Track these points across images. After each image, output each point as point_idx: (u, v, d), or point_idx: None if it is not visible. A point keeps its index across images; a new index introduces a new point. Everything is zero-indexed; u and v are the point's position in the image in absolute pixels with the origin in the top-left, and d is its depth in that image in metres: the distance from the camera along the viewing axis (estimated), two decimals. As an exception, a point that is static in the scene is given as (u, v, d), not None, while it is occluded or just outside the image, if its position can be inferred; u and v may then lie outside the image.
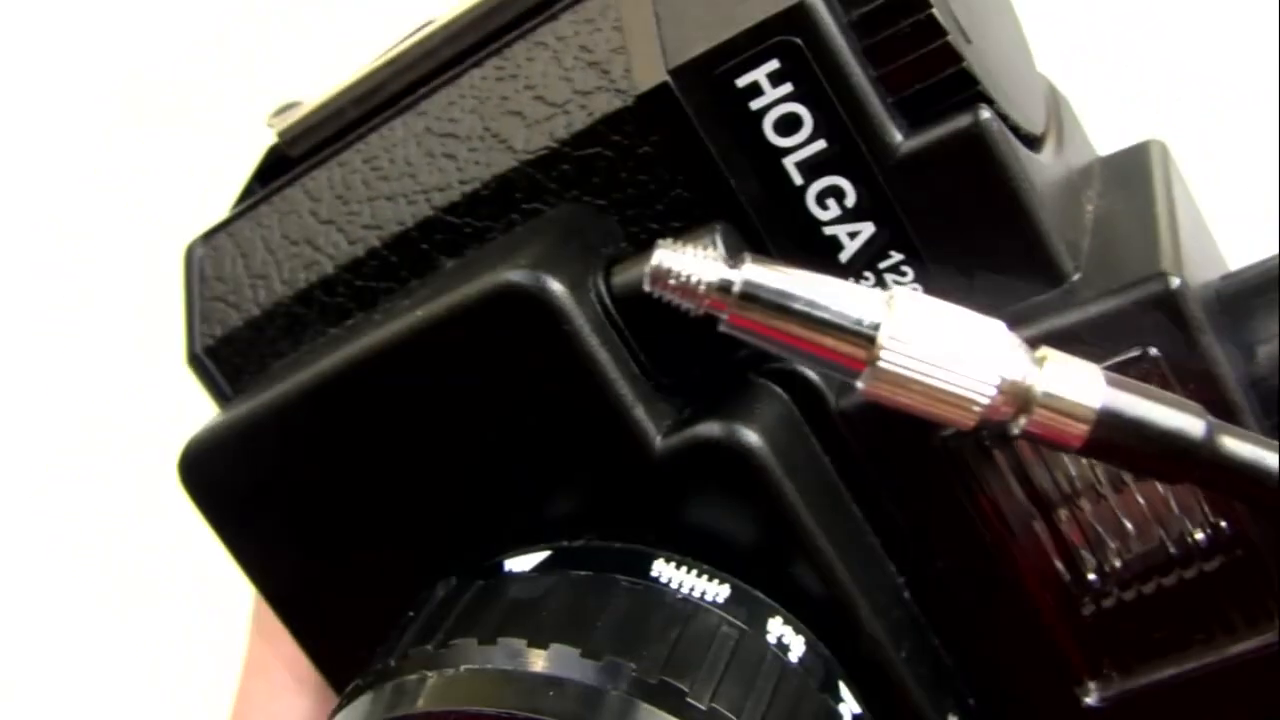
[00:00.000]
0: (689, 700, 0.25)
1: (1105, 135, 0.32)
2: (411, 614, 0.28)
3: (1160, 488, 0.27)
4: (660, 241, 0.24)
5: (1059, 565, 0.28)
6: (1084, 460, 0.27)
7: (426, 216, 0.29)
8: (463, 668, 0.26)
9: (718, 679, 0.25)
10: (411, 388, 0.28)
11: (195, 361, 0.32)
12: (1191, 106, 0.51)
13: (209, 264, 0.32)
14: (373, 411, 0.28)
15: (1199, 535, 0.28)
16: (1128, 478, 0.27)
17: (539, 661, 0.25)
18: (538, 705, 0.24)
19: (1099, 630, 0.28)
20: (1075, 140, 0.30)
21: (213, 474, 0.30)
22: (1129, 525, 0.28)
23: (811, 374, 0.28)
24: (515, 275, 0.26)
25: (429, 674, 0.26)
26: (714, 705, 0.25)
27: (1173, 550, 0.28)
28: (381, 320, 0.29)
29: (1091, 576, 0.28)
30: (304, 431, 0.29)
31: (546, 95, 0.29)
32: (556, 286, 0.26)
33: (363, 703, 0.27)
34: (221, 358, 0.32)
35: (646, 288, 0.24)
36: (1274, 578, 0.27)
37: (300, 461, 0.29)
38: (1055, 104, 0.31)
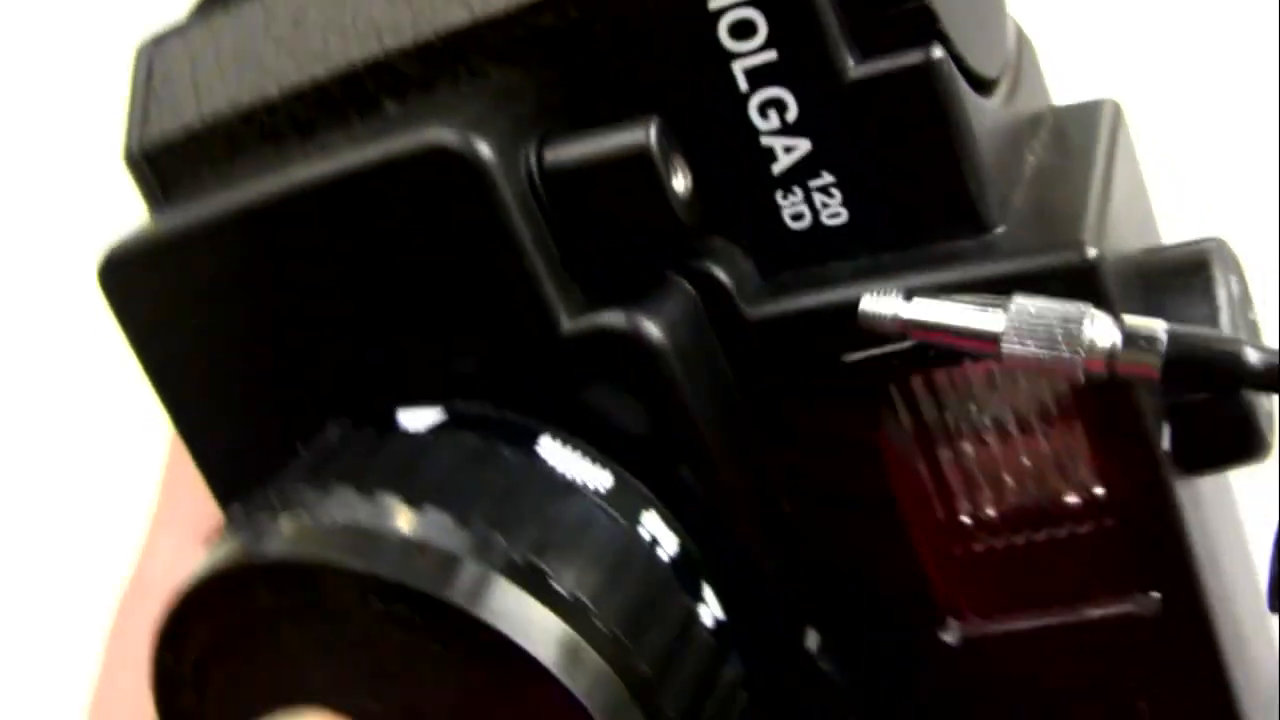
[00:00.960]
0: (550, 583, 0.25)
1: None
2: (301, 454, 0.29)
3: (1045, 444, 0.28)
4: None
5: (936, 503, 0.29)
6: (972, 405, 0.28)
7: (375, 58, 0.29)
8: (336, 519, 0.26)
9: (583, 566, 0.26)
10: (332, 228, 0.28)
11: (132, 162, 0.32)
12: (1191, 106, 0.51)
13: (158, 67, 0.32)
14: (292, 246, 0.28)
15: (1073, 498, 0.28)
16: (1013, 428, 0.28)
17: (409, 524, 0.26)
18: (399, 568, 0.25)
19: (966, 572, 0.29)
20: (1031, 87, 0.30)
21: (131, 283, 0.30)
22: (1009, 477, 0.28)
23: (724, 276, 0.28)
24: (447, 135, 0.26)
25: (295, 521, 0.26)
26: (576, 592, 0.26)
27: (1047, 508, 0.28)
28: (314, 156, 0.29)
29: (965, 519, 0.29)
30: (224, 255, 0.29)
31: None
32: (486, 151, 0.26)
33: (227, 545, 0.27)
34: (159, 164, 0.32)
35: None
36: (1139, 551, 0.28)
37: (217, 284, 0.29)
38: (1019, 48, 0.30)
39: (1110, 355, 0.24)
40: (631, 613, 0.26)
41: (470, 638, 0.25)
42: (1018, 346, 0.24)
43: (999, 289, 0.25)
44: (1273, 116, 0.50)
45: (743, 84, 0.27)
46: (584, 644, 0.25)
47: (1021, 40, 0.31)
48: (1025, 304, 0.24)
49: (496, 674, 0.25)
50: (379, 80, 0.29)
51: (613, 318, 0.27)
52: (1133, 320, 0.24)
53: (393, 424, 0.28)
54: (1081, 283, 0.25)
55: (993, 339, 0.24)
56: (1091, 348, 0.24)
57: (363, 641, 0.26)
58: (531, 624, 0.25)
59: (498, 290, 0.27)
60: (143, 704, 0.32)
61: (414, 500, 0.26)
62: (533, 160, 0.27)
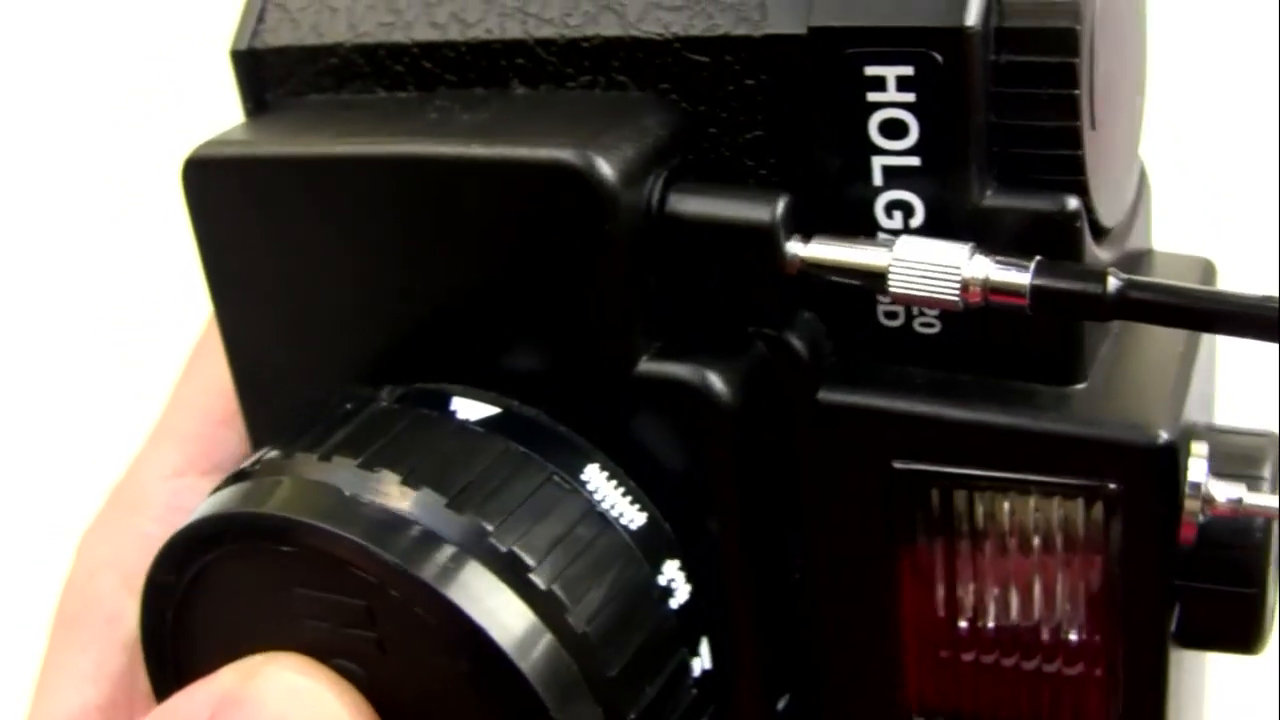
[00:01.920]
0: (531, 577, 0.26)
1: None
2: (349, 407, 0.29)
3: (1061, 577, 0.29)
4: None
5: (940, 603, 0.29)
6: (1001, 522, 0.29)
7: (518, 39, 0.29)
8: (328, 480, 0.27)
9: (594, 595, 0.26)
10: (442, 204, 0.28)
11: (240, 57, 0.31)
12: (1189, 106, 0.51)
13: None
14: (395, 206, 0.28)
15: (1073, 636, 0.29)
16: (1034, 554, 0.29)
17: (401, 500, 0.26)
18: (375, 537, 0.25)
19: (945, 676, 0.30)
20: (1138, 231, 0.31)
21: (215, 187, 0.29)
22: (1017, 598, 0.29)
23: (804, 351, 0.28)
24: (583, 155, 0.26)
25: (290, 478, 0.27)
26: (558, 592, 0.26)
27: (1044, 639, 0.29)
28: (437, 122, 0.28)
29: (963, 624, 0.30)
30: (321, 193, 0.29)
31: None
32: (614, 180, 0.26)
33: (231, 492, 0.27)
34: (266, 63, 0.31)
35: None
36: (1119, 708, 0.28)
37: (308, 218, 0.29)
38: (1140, 191, 0.31)
39: (985, 287, 0.26)
40: (623, 641, 0.27)
41: (430, 608, 0.25)
42: (902, 282, 0.26)
43: (1064, 450, 0.26)
44: (1273, 118, 0.51)
45: (878, 179, 0.27)
46: (549, 633, 0.26)
47: (1143, 181, 0.31)
48: (909, 242, 0.26)
49: (454, 648, 0.26)
50: (514, 60, 0.29)
51: (688, 371, 0.27)
52: (1004, 257, 0.26)
53: (445, 407, 0.28)
54: (1149, 463, 0.26)
55: (880, 274, 0.26)
56: (967, 281, 0.26)
57: (349, 601, 0.26)
58: (500, 609, 0.25)
59: (586, 313, 0.27)
60: (122, 606, 0.33)
61: (411, 481, 0.26)
62: (655, 198, 0.27)
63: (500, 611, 0.25)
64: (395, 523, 0.26)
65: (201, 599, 0.28)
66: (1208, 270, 0.32)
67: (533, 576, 0.26)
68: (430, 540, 0.25)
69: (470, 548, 0.26)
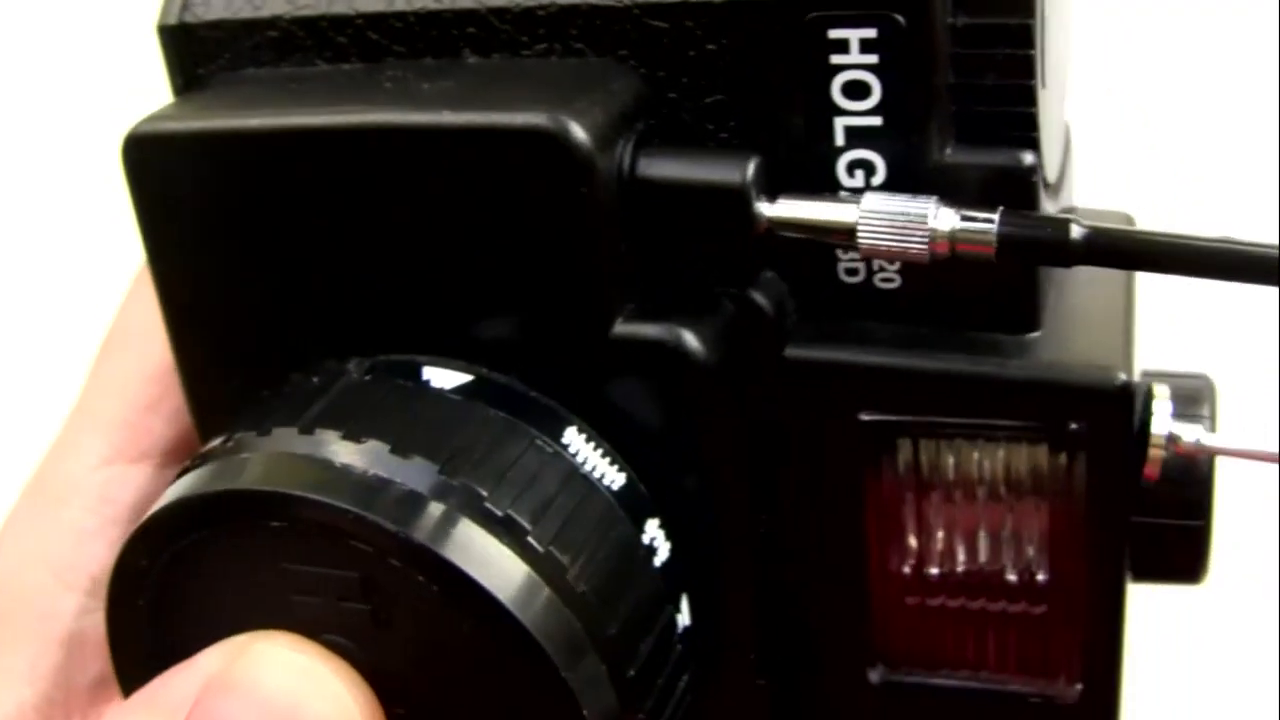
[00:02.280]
0: (530, 540, 0.26)
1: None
2: (316, 380, 0.28)
3: (1023, 522, 0.30)
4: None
5: (907, 553, 0.30)
6: (967, 470, 0.30)
7: (470, 8, 0.29)
8: (315, 453, 0.26)
9: (581, 550, 0.27)
10: (404, 173, 0.28)
11: (169, 32, 0.31)
12: (1159, 91, 0.53)
13: None
14: (351, 177, 0.28)
15: (1040, 577, 0.30)
16: (1000, 498, 0.30)
17: (393, 468, 0.26)
18: (372, 505, 0.25)
19: (911, 623, 0.31)
20: (1067, 187, 0.32)
21: (162, 164, 0.29)
22: (982, 543, 0.30)
23: (770, 308, 0.29)
24: (557, 120, 0.26)
25: (272, 453, 0.27)
26: (554, 552, 0.26)
27: (1007, 581, 0.30)
28: (396, 92, 0.28)
29: (933, 572, 0.31)
30: (270, 167, 0.28)
31: (640, -49, 0.28)
32: (590, 145, 0.26)
33: (206, 471, 0.27)
34: (197, 38, 0.31)
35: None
36: (1075, 642, 0.30)
37: (256, 192, 0.29)
38: (1067, 148, 0.32)
39: (951, 239, 0.27)
40: (619, 599, 0.27)
41: (433, 573, 0.25)
42: (870, 236, 0.27)
43: (1029, 394, 0.27)
44: (1241, 103, 0.53)
45: (839, 138, 0.28)
46: (551, 593, 0.26)
47: (1068, 139, 0.33)
48: (875, 198, 0.27)
49: (459, 611, 0.26)
50: (465, 30, 0.29)
51: (664, 332, 0.28)
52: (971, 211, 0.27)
53: (418, 377, 0.28)
54: (1111, 404, 0.27)
55: (848, 230, 0.27)
56: (934, 233, 0.27)
57: (342, 574, 0.26)
58: (502, 569, 0.26)
59: (559, 278, 0.27)
60: (55, 600, 0.32)
61: (400, 449, 0.26)
62: (626, 163, 0.27)
63: (503, 572, 0.25)
64: (391, 490, 0.26)
65: (180, 584, 0.28)
66: (1129, 223, 0.33)
67: (530, 539, 0.26)
68: (427, 506, 0.25)
69: (468, 512, 0.26)
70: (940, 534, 0.30)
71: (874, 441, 0.29)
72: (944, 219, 0.27)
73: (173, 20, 0.31)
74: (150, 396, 0.34)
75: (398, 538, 0.25)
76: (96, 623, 0.33)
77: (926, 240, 0.27)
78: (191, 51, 0.31)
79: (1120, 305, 0.29)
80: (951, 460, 0.30)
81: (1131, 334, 0.29)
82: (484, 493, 0.26)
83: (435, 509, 0.25)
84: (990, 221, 0.27)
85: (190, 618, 0.28)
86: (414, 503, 0.25)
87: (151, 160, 0.29)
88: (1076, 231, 0.26)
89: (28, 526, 0.34)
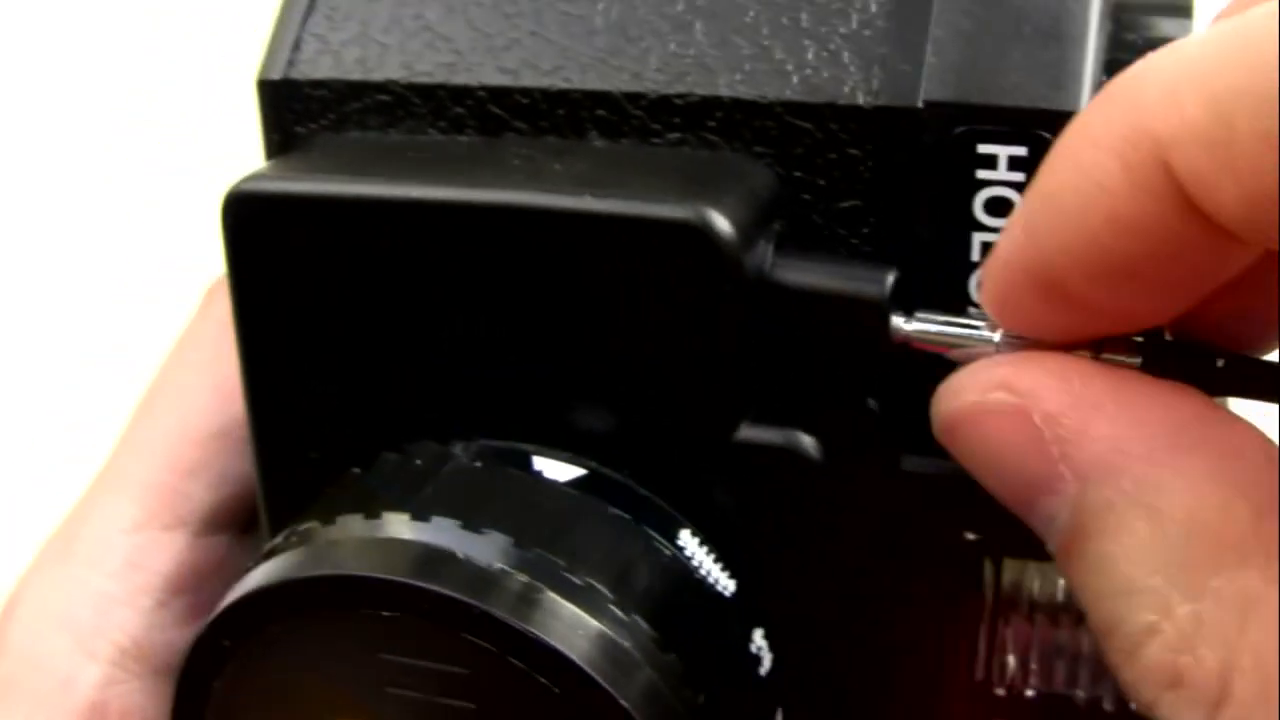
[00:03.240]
0: (651, 645, 0.25)
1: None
2: (419, 463, 0.27)
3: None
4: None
5: (980, 663, 0.30)
6: (1052, 589, 0.29)
7: (602, 90, 0.28)
8: (434, 541, 0.25)
9: (692, 647, 0.26)
10: (534, 255, 0.27)
11: (270, 88, 0.30)
12: None
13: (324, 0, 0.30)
14: (478, 256, 0.27)
15: (1108, 706, 0.30)
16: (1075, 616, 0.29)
17: (516, 564, 0.25)
18: (496, 600, 0.24)
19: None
20: None
21: (266, 227, 0.28)
22: (1059, 666, 0.30)
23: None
24: (704, 214, 0.26)
25: (382, 538, 0.25)
26: (673, 654, 0.25)
27: (1080, 703, 0.30)
28: (527, 170, 0.27)
29: (1000, 692, 0.30)
30: (392, 240, 0.27)
31: (784, 47, 0.28)
32: (736, 241, 0.26)
33: (304, 552, 0.26)
34: (300, 96, 0.30)
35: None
36: None
37: (370, 266, 0.27)
38: None
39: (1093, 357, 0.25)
40: (731, 711, 0.26)
41: (555, 675, 0.24)
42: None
43: None
44: None
45: (977, 255, 0.27)
46: (674, 700, 0.25)
47: None
48: None
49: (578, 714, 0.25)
50: (594, 112, 0.28)
51: (785, 437, 0.27)
52: None
53: (530, 467, 0.27)
54: None
55: (991, 349, 0.26)
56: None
57: (448, 669, 0.25)
58: (633, 679, 0.25)
59: (689, 375, 0.27)
60: (76, 669, 0.30)
61: (558, 554, 0.25)
62: (767, 264, 0.27)
63: (631, 680, 0.24)
64: (512, 585, 0.24)
65: (260, 669, 0.26)
66: None
67: (653, 644, 0.25)
68: (554, 604, 0.24)
69: (594, 613, 0.25)
70: (1033, 654, 0.30)
71: (971, 557, 0.28)
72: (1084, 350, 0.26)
73: (276, 75, 0.30)
74: (192, 460, 0.32)
75: (523, 636, 0.24)
76: (120, 695, 0.31)
77: None
78: (293, 109, 0.30)
79: None
80: (1037, 582, 0.29)
81: None
82: (608, 594, 0.25)
83: (562, 609, 0.24)
84: (1133, 347, 0.26)
85: (266, 705, 0.26)
86: (539, 602, 0.24)
87: (254, 220, 0.28)
88: (1220, 358, 0.26)
89: (50, 589, 0.32)
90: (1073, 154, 0.22)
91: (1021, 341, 0.25)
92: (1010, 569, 0.29)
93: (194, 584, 0.32)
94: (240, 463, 0.32)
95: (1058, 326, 0.24)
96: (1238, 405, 0.25)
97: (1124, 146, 0.21)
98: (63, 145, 0.61)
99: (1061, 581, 0.29)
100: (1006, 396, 0.23)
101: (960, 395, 0.24)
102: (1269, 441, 0.23)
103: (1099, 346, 0.24)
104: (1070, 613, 0.29)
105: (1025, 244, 0.23)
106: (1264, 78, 0.20)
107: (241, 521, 0.33)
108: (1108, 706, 0.30)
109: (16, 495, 0.60)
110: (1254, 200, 0.20)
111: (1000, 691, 0.30)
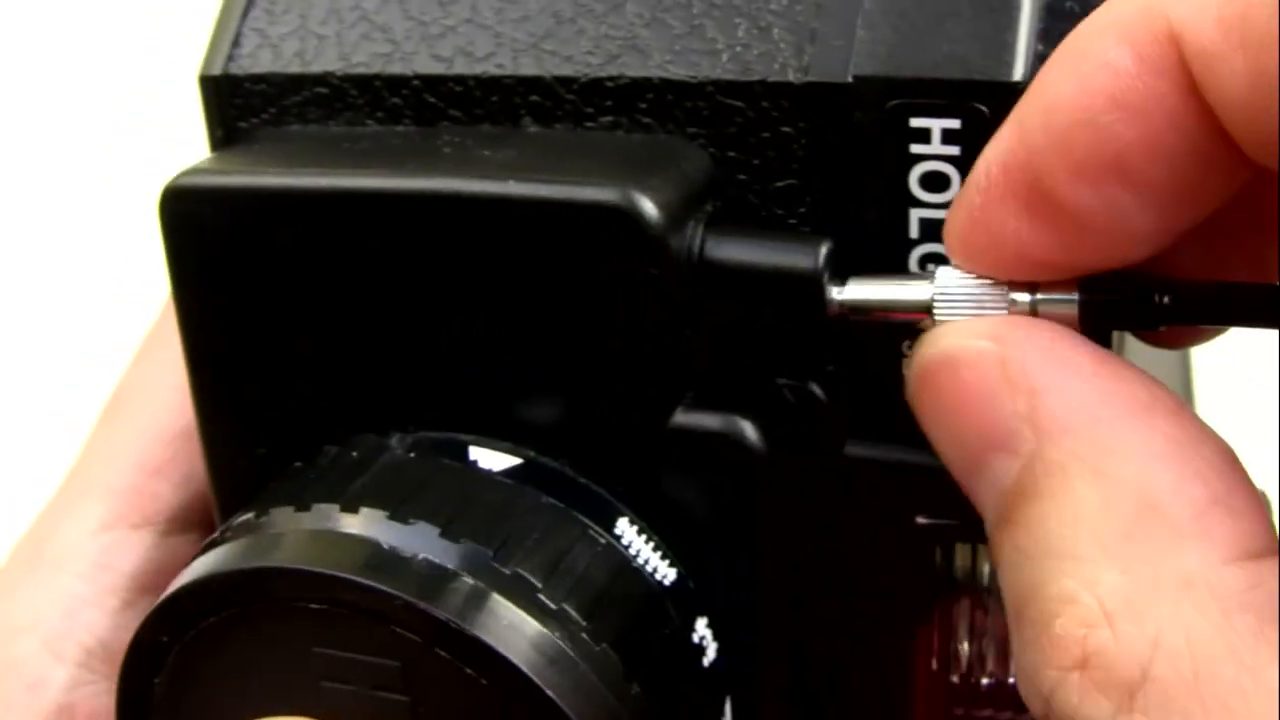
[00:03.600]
0: (584, 637, 0.25)
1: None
2: (355, 455, 0.27)
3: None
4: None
5: (961, 659, 0.29)
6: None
7: (535, 75, 0.28)
8: (362, 533, 0.25)
9: (627, 638, 0.25)
10: (462, 242, 0.26)
11: (211, 83, 0.30)
12: None
13: None
14: (407, 245, 0.27)
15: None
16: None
17: (444, 554, 0.25)
18: (424, 592, 0.24)
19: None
20: None
21: (203, 220, 0.28)
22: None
23: (823, 395, 0.28)
24: (629, 196, 0.25)
25: (313, 531, 0.25)
26: (605, 646, 0.25)
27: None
28: (456, 158, 0.27)
29: (954, 679, 0.30)
30: (325, 232, 0.27)
31: (716, 25, 0.27)
32: (662, 223, 0.25)
33: (238, 545, 0.26)
34: (241, 91, 0.30)
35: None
36: None
37: (304, 259, 0.27)
38: None
39: (1032, 309, 0.24)
40: (672, 703, 0.26)
41: (484, 668, 0.24)
42: (948, 312, 0.25)
43: None
44: None
45: (914, 231, 0.27)
46: (606, 693, 0.25)
47: None
48: (950, 273, 0.25)
49: (508, 708, 0.24)
50: (527, 96, 0.28)
51: (722, 422, 0.27)
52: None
53: (465, 457, 0.27)
54: None
55: (924, 308, 0.25)
56: (1014, 305, 0.24)
57: (381, 662, 0.25)
58: (559, 668, 0.24)
59: (620, 361, 0.26)
60: (45, 671, 0.30)
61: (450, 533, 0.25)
62: (696, 244, 0.26)
63: (561, 671, 0.24)
64: (442, 577, 0.24)
65: (200, 664, 0.26)
66: None
67: (585, 635, 0.25)
68: (481, 597, 0.24)
69: (523, 605, 0.24)
70: (994, 643, 0.29)
71: (930, 546, 0.28)
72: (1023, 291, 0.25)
73: (216, 71, 0.30)
74: (158, 460, 0.32)
75: (449, 628, 0.24)
76: (87, 696, 0.31)
77: (1005, 310, 0.25)
78: (234, 104, 0.30)
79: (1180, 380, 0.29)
80: (989, 568, 0.29)
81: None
82: (538, 584, 0.25)
83: (490, 600, 0.24)
84: (1071, 289, 0.25)
85: (207, 701, 0.26)
86: (466, 592, 0.24)
87: (191, 215, 0.28)
88: (1159, 289, 0.25)
89: (17, 591, 0.32)
90: (1074, 46, 0.22)
91: (961, 291, 0.25)
92: (961, 554, 0.29)
93: (161, 583, 0.32)
94: None
95: (1027, 248, 0.23)
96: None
97: (1134, 27, 0.21)
98: (63, 145, 0.61)
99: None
100: (988, 345, 0.23)
101: (941, 340, 0.24)
102: (1231, 449, 0.22)
103: (1034, 287, 0.24)
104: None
105: (1012, 142, 0.22)
106: None
107: (208, 520, 0.33)
108: None
109: (16, 495, 0.60)
110: (1260, 79, 0.20)
111: (955, 679, 0.30)
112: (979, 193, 0.23)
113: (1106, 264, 0.23)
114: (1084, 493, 0.21)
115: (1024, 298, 0.25)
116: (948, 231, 0.24)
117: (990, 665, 0.29)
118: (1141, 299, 0.24)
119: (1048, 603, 0.21)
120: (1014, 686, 0.28)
